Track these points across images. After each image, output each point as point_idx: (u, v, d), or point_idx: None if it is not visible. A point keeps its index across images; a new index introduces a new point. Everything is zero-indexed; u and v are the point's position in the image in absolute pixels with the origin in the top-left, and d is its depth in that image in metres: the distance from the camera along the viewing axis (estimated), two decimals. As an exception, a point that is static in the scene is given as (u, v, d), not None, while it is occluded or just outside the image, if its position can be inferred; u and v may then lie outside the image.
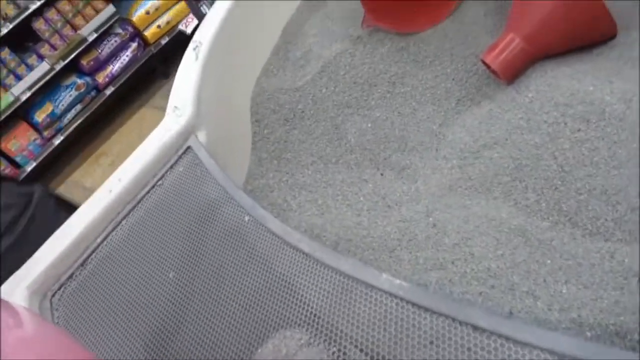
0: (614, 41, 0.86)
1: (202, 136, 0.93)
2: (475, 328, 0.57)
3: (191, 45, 1.06)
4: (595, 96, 0.76)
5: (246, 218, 0.73)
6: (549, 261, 0.66)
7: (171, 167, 0.87)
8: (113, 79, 3.41)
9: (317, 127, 1.04)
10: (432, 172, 0.90)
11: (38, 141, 3.24)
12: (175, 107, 0.94)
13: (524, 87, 0.87)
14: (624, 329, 0.57)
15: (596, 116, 0.75)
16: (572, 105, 0.78)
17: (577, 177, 0.72)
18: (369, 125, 1.01)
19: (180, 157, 0.88)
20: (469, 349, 0.57)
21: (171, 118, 0.92)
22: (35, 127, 3.23)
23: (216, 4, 1.15)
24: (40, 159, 3.25)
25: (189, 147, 0.89)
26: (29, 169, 3.23)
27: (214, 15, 1.11)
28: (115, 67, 3.40)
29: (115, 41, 3.36)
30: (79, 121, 3.34)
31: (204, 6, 2.44)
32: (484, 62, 0.92)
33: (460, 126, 0.92)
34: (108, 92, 3.41)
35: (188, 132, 0.91)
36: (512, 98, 0.87)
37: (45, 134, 3.26)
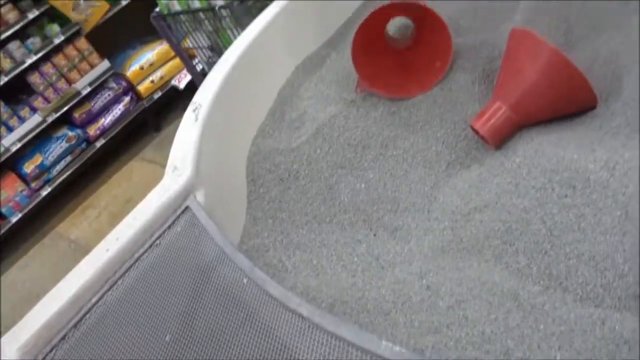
0: (594, 112, 0.90)
1: (200, 196, 0.94)
2: (474, 395, 0.58)
3: (191, 107, 1.09)
4: (580, 164, 0.79)
5: (245, 280, 0.73)
6: (542, 326, 0.67)
7: (169, 226, 0.88)
8: (104, 131, 3.44)
9: (311, 187, 1.06)
10: (425, 234, 0.92)
11: (25, 192, 3.23)
12: (175, 167, 0.96)
13: (512, 152, 0.91)
14: (618, 397, 0.58)
15: (581, 183, 0.78)
16: (558, 172, 0.81)
17: (566, 242, 0.75)
18: (362, 185, 1.04)
19: (178, 217, 0.90)
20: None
21: (170, 178, 0.94)
22: (23, 178, 3.22)
23: (215, 67, 1.19)
24: (26, 210, 3.22)
25: (187, 207, 0.91)
26: (14, 219, 3.19)
27: (214, 78, 1.15)
28: (107, 120, 3.44)
29: (109, 95, 3.41)
30: (67, 173, 3.34)
31: (199, 64, 2.51)
32: (472, 128, 0.96)
33: (451, 189, 0.95)
34: (98, 144, 3.43)
35: (187, 191, 0.93)
36: (501, 162, 0.90)
37: (33, 185, 3.25)
